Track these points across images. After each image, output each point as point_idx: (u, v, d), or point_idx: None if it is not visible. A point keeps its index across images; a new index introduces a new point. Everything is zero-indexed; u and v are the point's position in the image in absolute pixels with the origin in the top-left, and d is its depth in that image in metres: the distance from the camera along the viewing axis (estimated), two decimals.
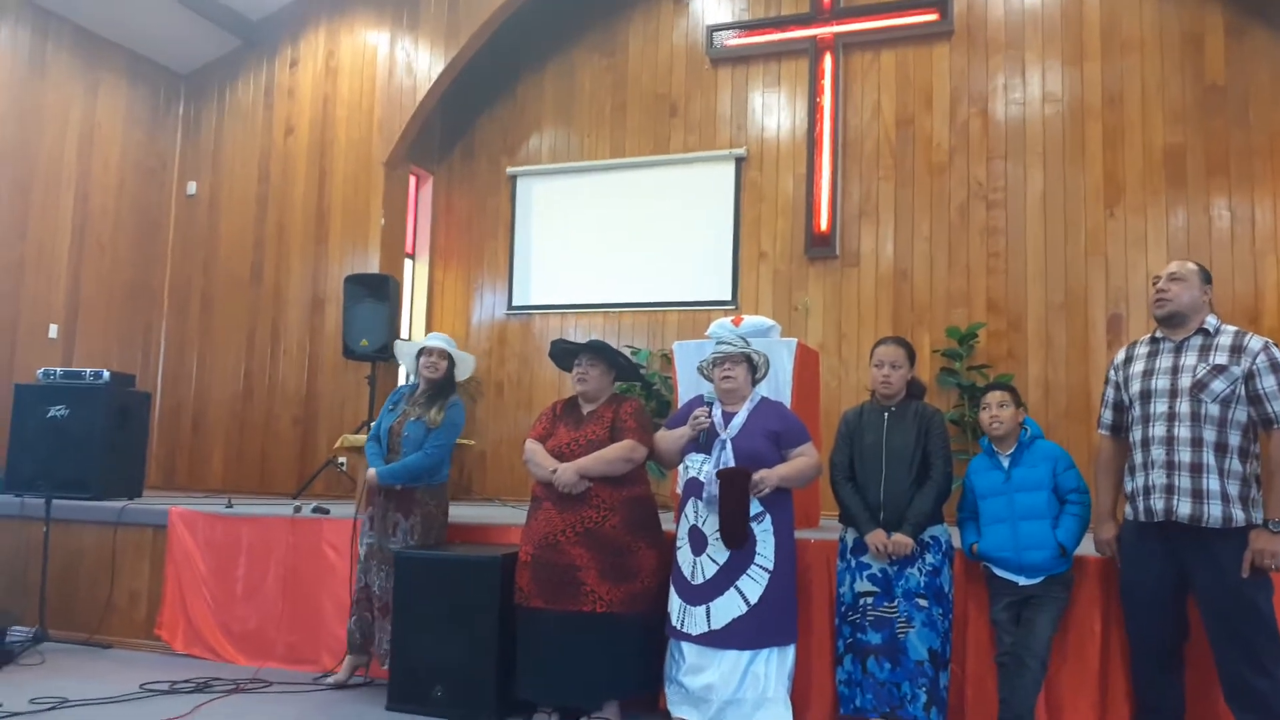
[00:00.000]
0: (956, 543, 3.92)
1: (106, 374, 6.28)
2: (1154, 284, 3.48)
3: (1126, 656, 3.71)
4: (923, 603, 3.70)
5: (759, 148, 7.82)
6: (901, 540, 3.68)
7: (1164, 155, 6.78)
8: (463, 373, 4.83)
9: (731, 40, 7.92)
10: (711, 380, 4.00)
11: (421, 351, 4.71)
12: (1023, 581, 3.67)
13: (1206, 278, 3.44)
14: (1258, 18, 6.65)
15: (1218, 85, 6.71)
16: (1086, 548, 3.81)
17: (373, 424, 4.85)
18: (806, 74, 7.66)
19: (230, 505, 5.82)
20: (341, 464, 7.38)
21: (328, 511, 5.41)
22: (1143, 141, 6.83)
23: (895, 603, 3.72)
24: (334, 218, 8.31)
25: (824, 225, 7.42)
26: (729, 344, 3.95)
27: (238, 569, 5.34)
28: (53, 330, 7.66)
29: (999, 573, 3.73)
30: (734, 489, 3.66)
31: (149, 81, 8.68)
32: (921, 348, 6.93)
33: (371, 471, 4.52)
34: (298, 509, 5.50)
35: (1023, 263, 7.00)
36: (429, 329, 8.70)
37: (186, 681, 4.63)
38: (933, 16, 7.34)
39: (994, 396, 3.85)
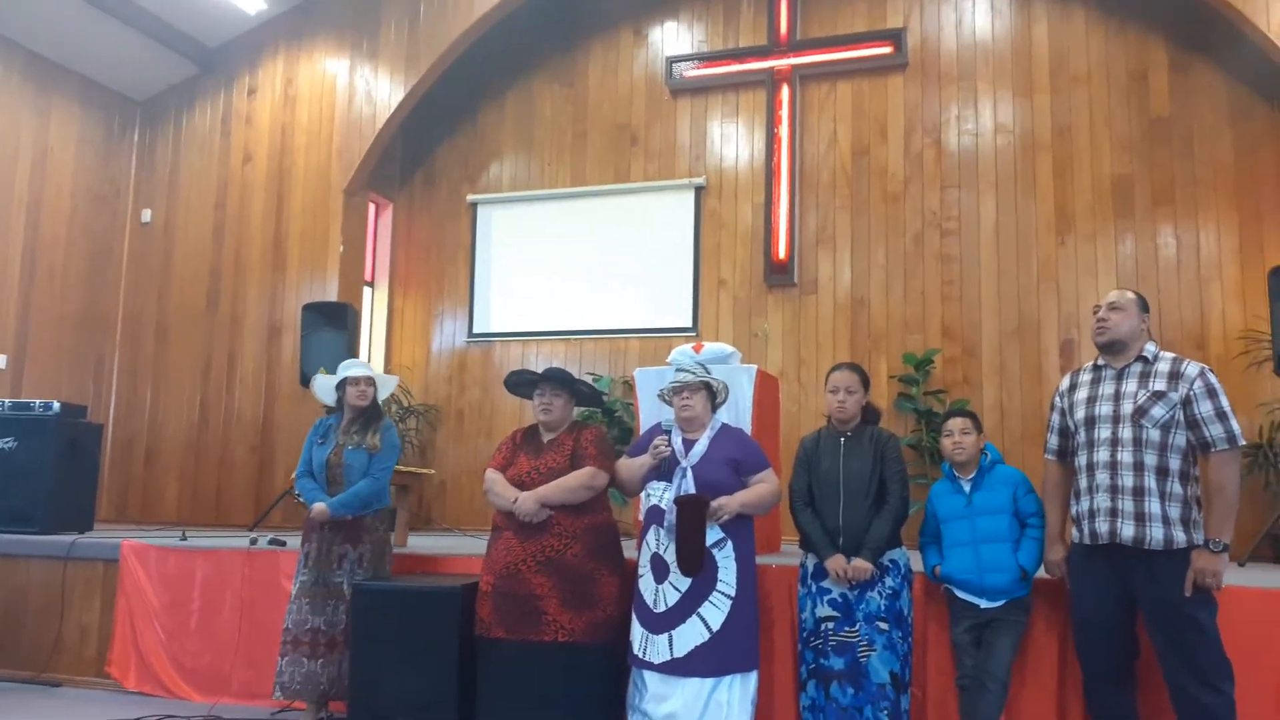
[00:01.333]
0: (915, 566, 3.95)
1: (56, 405, 6.15)
2: (1094, 313, 3.55)
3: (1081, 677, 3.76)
4: (883, 626, 3.71)
5: (718, 177, 7.90)
6: (861, 565, 3.70)
7: (1112, 185, 6.96)
8: (384, 393, 4.79)
9: (690, 71, 8.02)
10: (672, 406, 4.02)
11: (345, 381, 4.62)
12: (984, 604, 3.70)
13: (1144, 306, 3.51)
14: (1199, 53, 6.88)
15: (1163, 118, 6.92)
16: (1045, 571, 3.86)
17: (302, 456, 4.68)
18: (764, 105, 7.77)
19: (184, 538, 5.70)
20: (299, 495, 7.27)
21: (284, 543, 5.33)
22: (1091, 172, 7.01)
23: (856, 627, 3.73)
24: (292, 245, 8.25)
25: (782, 253, 7.51)
26: (688, 372, 3.97)
27: (192, 603, 5.22)
28: (1, 360, 7.50)
29: (961, 595, 3.76)
30: (692, 516, 3.66)
31: (103, 107, 8.59)
32: (879, 373, 7.01)
33: (320, 506, 4.38)
34: (254, 541, 5.41)
35: (977, 290, 7.13)
36: (388, 357, 8.64)
37: None
38: (887, 49, 7.50)
39: (956, 423, 3.89)
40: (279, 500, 7.33)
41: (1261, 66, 6.54)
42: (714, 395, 4.02)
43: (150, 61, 8.48)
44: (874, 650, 3.68)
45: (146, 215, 8.80)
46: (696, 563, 3.68)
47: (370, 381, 4.64)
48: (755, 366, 5.02)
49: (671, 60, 8.08)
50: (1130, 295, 3.51)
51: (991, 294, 7.10)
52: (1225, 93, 6.82)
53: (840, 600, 3.78)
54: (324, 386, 4.71)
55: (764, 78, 7.79)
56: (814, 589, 3.86)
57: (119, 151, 8.78)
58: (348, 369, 4.65)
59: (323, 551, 4.46)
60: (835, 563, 3.74)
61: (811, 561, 3.90)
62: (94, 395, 8.33)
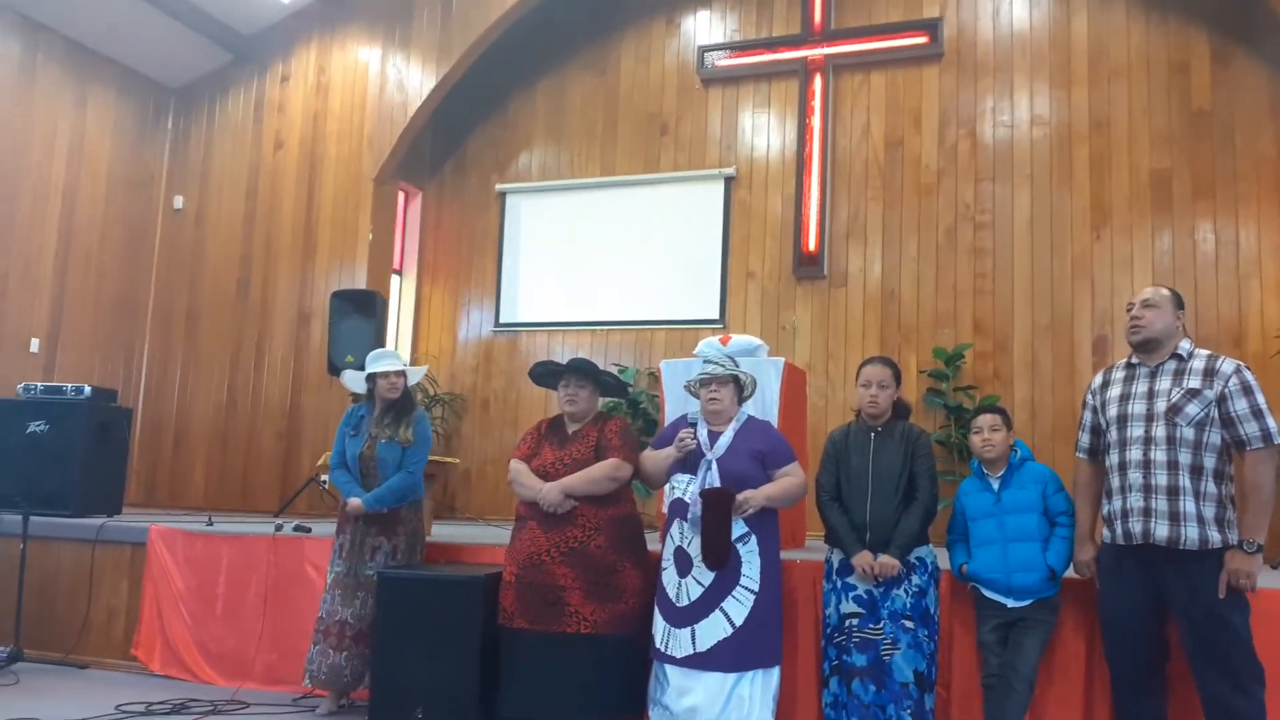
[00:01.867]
0: (943, 564, 3.90)
1: (88, 389, 6.22)
2: (1128, 310, 3.50)
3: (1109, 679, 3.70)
4: (909, 624, 3.67)
5: (748, 167, 7.84)
6: (888, 562, 3.66)
7: (1150, 179, 6.82)
8: (412, 380, 4.76)
9: (722, 61, 7.96)
10: (698, 399, 3.98)
11: (376, 374, 4.60)
12: (1011, 603, 3.65)
13: (1179, 303, 3.46)
14: (1242, 45, 6.72)
15: (1204, 111, 6.77)
16: (1073, 571, 3.80)
17: (334, 448, 4.69)
18: (796, 95, 7.69)
19: (211, 523, 5.76)
20: (324, 482, 7.29)
21: (309, 530, 5.36)
22: (1129, 165, 6.88)
23: (881, 624, 3.69)
24: (322, 233, 8.29)
25: (812, 245, 7.43)
26: (716, 364, 3.94)
27: (217, 588, 5.27)
28: (34, 344, 7.60)
29: (987, 594, 3.71)
30: (717, 510, 3.63)
31: (138, 95, 8.67)
32: (908, 368, 6.93)
33: (355, 501, 4.42)
34: (279, 527, 5.45)
35: (1010, 284, 7.02)
36: (415, 345, 8.67)
37: (163, 703, 4.56)
38: (923, 39, 7.40)
39: (986, 420, 3.84)
40: (304, 487, 7.37)
41: None
42: (741, 388, 3.99)
43: (185, 49, 8.54)
44: (898, 648, 3.64)
45: (179, 202, 8.87)
46: (722, 556, 3.65)
47: (401, 374, 4.63)
48: (783, 359, 4.97)
49: (704, 49, 8.02)
50: (1165, 292, 3.46)
51: (1024, 289, 6.99)
52: (1267, 85, 6.65)
53: (865, 597, 3.74)
54: (354, 379, 4.72)
55: (797, 67, 7.71)
56: (839, 585, 3.82)
57: (153, 139, 8.85)
58: (377, 361, 4.63)
59: (356, 543, 4.49)
60: (862, 559, 3.70)
61: (837, 557, 3.86)
62: (124, 380, 8.42)
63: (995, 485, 3.78)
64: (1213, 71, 6.78)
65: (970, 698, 3.87)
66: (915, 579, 3.73)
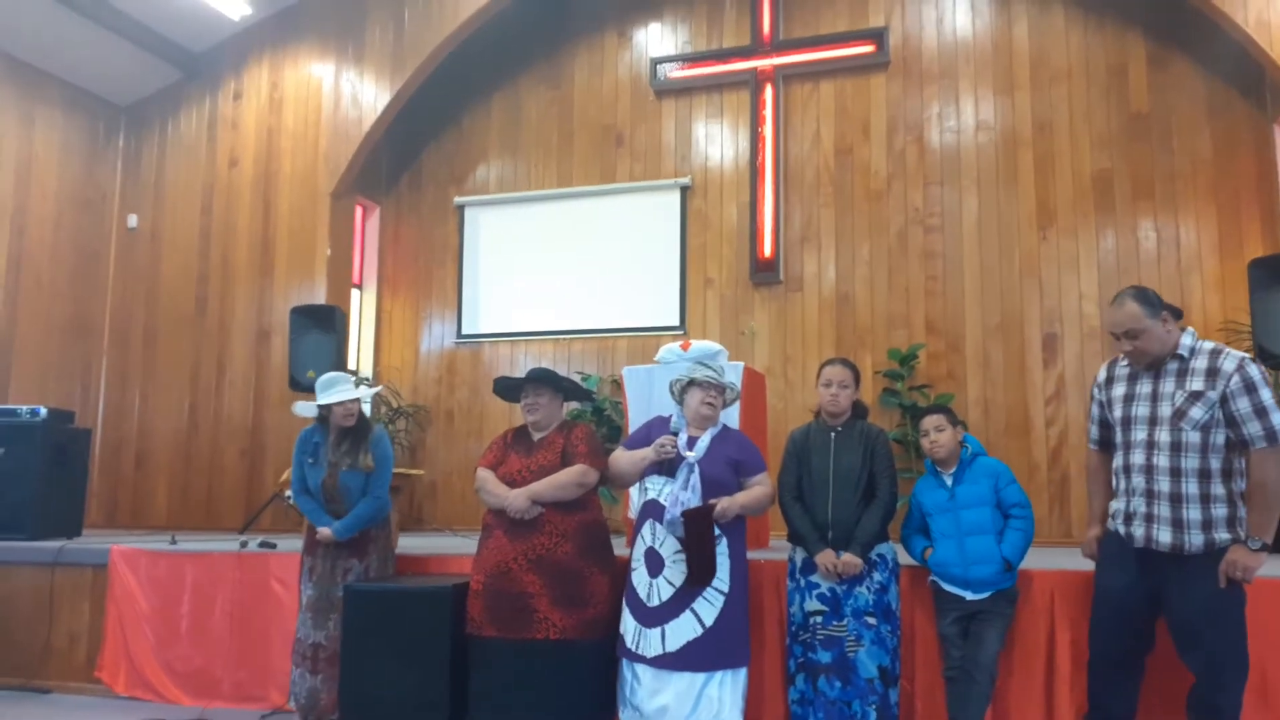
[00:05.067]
0: (903, 559, 4.00)
1: (43, 410, 6.15)
2: (1114, 340, 3.36)
3: (1070, 669, 3.80)
4: (871, 621, 3.76)
5: (703, 177, 7.94)
6: (851, 560, 3.75)
7: (1092, 180, 7.02)
8: (366, 405, 4.67)
9: (675, 72, 8.06)
10: (680, 400, 4.03)
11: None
12: (970, 596, 3.74)
13: (1155, 308, 3.28)
14: (1177, 48, 6.95)
15: (1142, 113, 6.98)
16: (1031, 563, 3.90)
17: (293, 474, 4.62)
18: (748, 105, 7.81)
19: (174, 542, 5.71)
20: (288, 497, 7.27)
21: (275, 546, 5.34)
22: (1072, 167, 7.07)
23: (844, 621, 3.78)
24: (279, 249, 8.25)
25: (768, 251, 7.55)
26: (710, 370, 3.99)
27: (182, 607, 5.23)
28: None
29: (946, 587, 3.80)
30: (700, 528, 3.67)
31: (87, 113, 8.57)
32: (864, 369, 7.03)
33: (326, 531, 4.40)
34: (244, 544, 5.42)
35: (960, 285, 7.19)
36: (377, 359, 8.65)
37: None
38: (869, 49, 7.55)
39: (930, 421, 3.92)
40: (268, 503, 7.33)
41: (1239, 61, 6.61)
42: (724, 397, 4.05)
43: (134, 67, 8.47)
44: (862, 645, 3.73)
45: (133, 221, 8.79)
46: (709, 573, 3.72)
47: (355, 400, 4.53)
48: (742, 364, 5.05)
49: (656, 61, 8.12)
50: (1134, 309, 3.27)
51: (974, 289, 7.16)
52: (1203, 87, 6.89)
53: (829, 595, 3.82)
54: (306, 408, 4.58)
55: (748, 78, 7.83)
56: (803, 583, 3.90)
57: (104, 158, 8.76)
58: (329, 390, 4.47)
59: (327, 567, 4.47)
60: (825, 558, 3.79)
61: (800, 556, 3.94)
62: (82, 401, 8.31)
63: (949, 482, 3.87)
64: (1149, 74, 7.00)
65: (933, 690, 3.96)
66: (877, 576, 3.82)
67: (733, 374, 4.89)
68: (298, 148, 8.32)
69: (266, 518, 7.35)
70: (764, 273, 7.57)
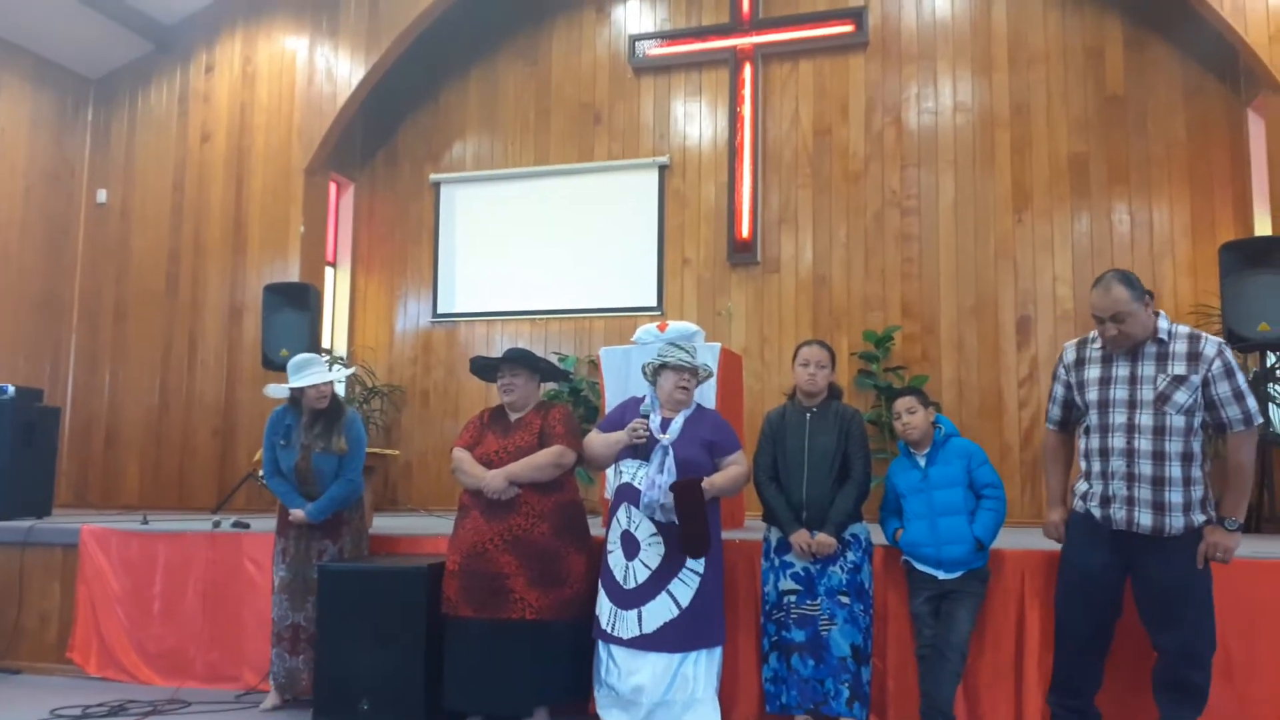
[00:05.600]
0: (877, 539, 4.03)
1: (11, 389, 6.06)
2: (1097, 323, 3.32)
3: (1039, 648, 3.84)
4: (845, 600, 3.79)
5: (681, 156, 7.91)
6: (825, 540, 3.77)
7: (1068, 163, 7.06)
8: (339, 384, 4.66)
9: (653, 50, 8.01)
10: (652, 382, 4.02)
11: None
12: (942, 575, 3.77)
13: (1139, 291, 3.25)
14: (1154, 32, 6.98)
15: (1118, 96, 7.02)
16: (1002, 543, 3.94)
17: (265, 455, 4.59)
18: (727, 83, 7.78)
19: (146, 521, 5.66)
20: (262, 478, 7.23)
21: (248, 525, 5.31)
22: (1048, 150, 7.11)
23: (818, 600, 3.81)
24: (252, 226, 8.16)
25: (745, 232, 7.55)
26: (684, 351, 3.98)
27: (154, 587, 5.19)
28: None
29: (919, 567, 3.83)
30: (690, 499, 3.66)
31: (56, 86, 8.42)
32: (840, 350, 7.09)
33: (299, 513, 4.38)
34: (217, 524, 5.39)
35: (936, 267, 7.22)
36: (351, 337, 8.59)
37: (100, 705, 4.49)
38: (848, 28, 7.53)
39: (902, 403, 3.93)
40: (242, 483, 7.28)
41: (1215, 45, 6.65)
42: (698, 379, 4.05)
43: (104, 39, 8.31)
44: (835, 624, 3.76)
45: (102, 196, 8.65)
46: (704, 544, 3.70)
47: (328, 383, 4.49)
48: (719, 345, 5.06)
49: (634, 39, 8.06)
50: (1123, 293, 3.23)
51: (950, 271, 7.19)
52: (1179, 71, 6.93)
53: (803, 574, 3.85)
54: (279, 390, 4.54)
55: (727, 56, 7.79)
56: (777, 563, 3.92)
57: (73, 131, 8.61)
58: (301, 372, 4.42)
59: (300, 548, 4.47)
60: (799, 537, 3.81)
61: (775, 535, 3.96)
62: (51, 379, 8.20)
63: (922, 463, 3.89)
64: (1126, 57, 7.03)
65: (905, 669, 4.00)
66: (850, 555, 3.85)
67: (707, 354, 4.91)
68: (271, 123, 8.21)
69: (240, 497, 7.30)
70: (741, 254, 7.57)
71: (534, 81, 8.37)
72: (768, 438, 4.03)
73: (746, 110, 7.66)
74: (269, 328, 7.24)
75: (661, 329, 5.04)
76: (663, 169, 7.93)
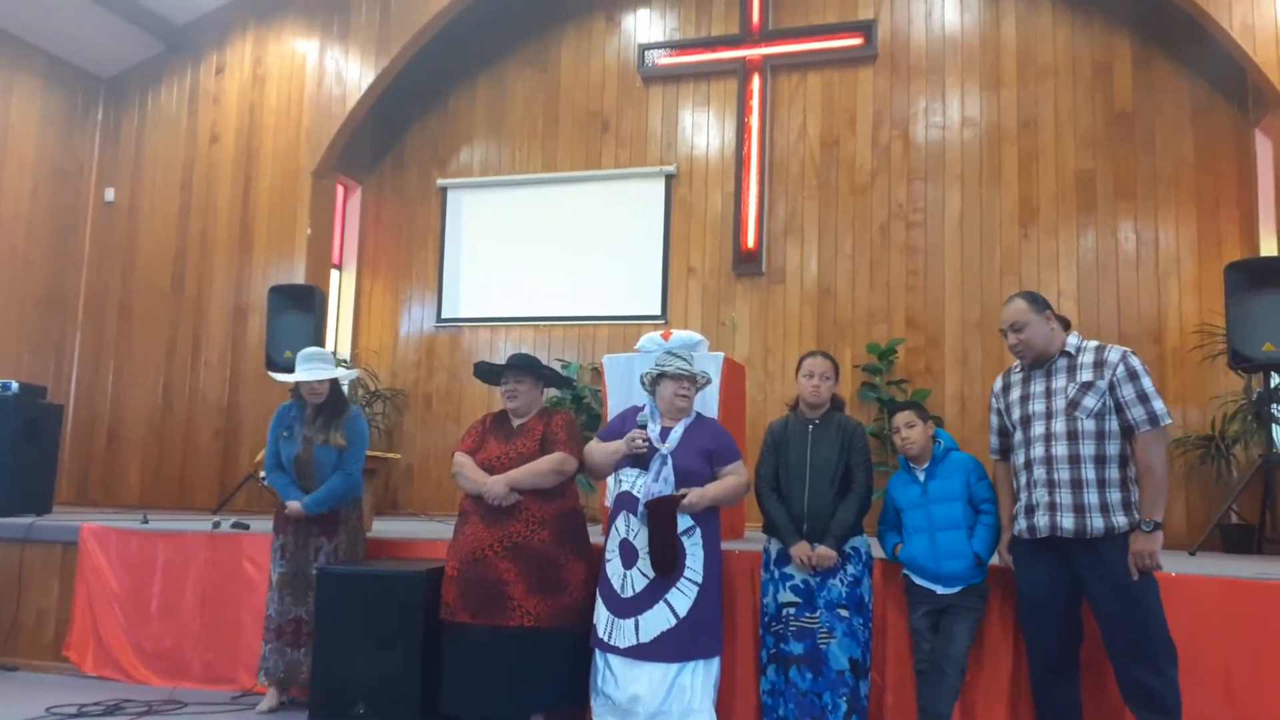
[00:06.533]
0: (876, 553, 4.02)
1: (14, 385, 6.07)
2: (1003, 336, 3.58)
3: None
4: (844, 613, 3.77)
5: (689, 165, 7.93)
6: (825, 553, 3.76)
7: (1075, 179, 7.05)
8: (343, 383, 4.71)
9: (662, 59, 8.03)
10: (651, 391, 4.02)
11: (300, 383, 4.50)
12: (941, 590, 3.76)
13: (1040, 305, 3.51)
14: (1163, 49, 6.98)
15: (1126, 113, 7.02)
16: (997, 559, 3.93)
17: (268, 449, 4.63)
18: (735, 94, 7.80)
19: (146, 520, 5.66)
20: (263, 478, 7.22)
21: (248, 526, 5.30)
22: (1055, 165, 7.11)
23: (817, 613, 3.79)
24: (259, 227, 8.18)
25: (751, 242, 7.55)
26: (683, 360, 3.98)
27: (152, 586, 5.18)
28: None
29: (918, 581, 3.82)
30: (662, 519, 3.67)
31: (67, 84, 8.45)
32: (843, 362, 7.07)
33: (295, 505, 4.40)
34: (217, 524, 5.38)
35: (941, 281, 7.21)
36: (356, 340, 8.60)
37: (96, 704, 4.48)
38: (858, 41, 7.55)
39: (901, 418, 3.93)
40: (243, 483, 7.28)
41: (1223, 64, 6.65)
42: (696, 387, 4.05)
43: (116, 39, 8.35)
44: (834, 637, 3.74)
45: (110, 194, 8.68)
46: (670, 564, 3.71)
47: (323, 383, 4.50)
48: (723, 354, 5.05)
49: (644, 48, 8.08)
50: (1021, 304, 3.52)
51: (955, 285, 7.18)
52: (1188, 89, 6.93)
53: (802, 586, 3.83)
54: (285, 377, 4.61)
55: (735, 67, 7.81)
56: (777, 574, 3.90)
57: (82, 129, 8.64)
58: (303, 366, 4.48)
59: (299, 544, 4.48)
60: (800, 549, 3.79)
61: (775, 547, 3.94)
62: (54, 376, 8.22)
63: (921, 477, 3.88)
64: (1134, 74, 7.04)
65: (904, 683, 3.98)
66: (850, 568, 3.83)
67: (710, 364, 4.91)
68: (280, 124, 8.24)
69: (241, 498, 7.30)
70: (746, 264, 7.57)
71: (543, 88, 8.39)
72: (769, 448, 4.02)
73: (754, 121, 7.67)
74: (273, 329, 7.25)
75: (665, 338, 5.04)
76: (669, 178, 7.94)
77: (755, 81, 7.72)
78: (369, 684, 4.08)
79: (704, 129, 7.95)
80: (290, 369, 4.64)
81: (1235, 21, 6.30)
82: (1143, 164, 6.95)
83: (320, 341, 7.22)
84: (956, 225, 7.24)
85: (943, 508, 3.79)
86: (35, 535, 5.44)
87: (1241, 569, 3.80)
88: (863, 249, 7.41)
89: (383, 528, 5.63)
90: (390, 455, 7.01)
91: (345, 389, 4.89)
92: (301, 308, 7.21)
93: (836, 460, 3.87)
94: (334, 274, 8.54)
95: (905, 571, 3.88)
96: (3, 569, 5.44)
